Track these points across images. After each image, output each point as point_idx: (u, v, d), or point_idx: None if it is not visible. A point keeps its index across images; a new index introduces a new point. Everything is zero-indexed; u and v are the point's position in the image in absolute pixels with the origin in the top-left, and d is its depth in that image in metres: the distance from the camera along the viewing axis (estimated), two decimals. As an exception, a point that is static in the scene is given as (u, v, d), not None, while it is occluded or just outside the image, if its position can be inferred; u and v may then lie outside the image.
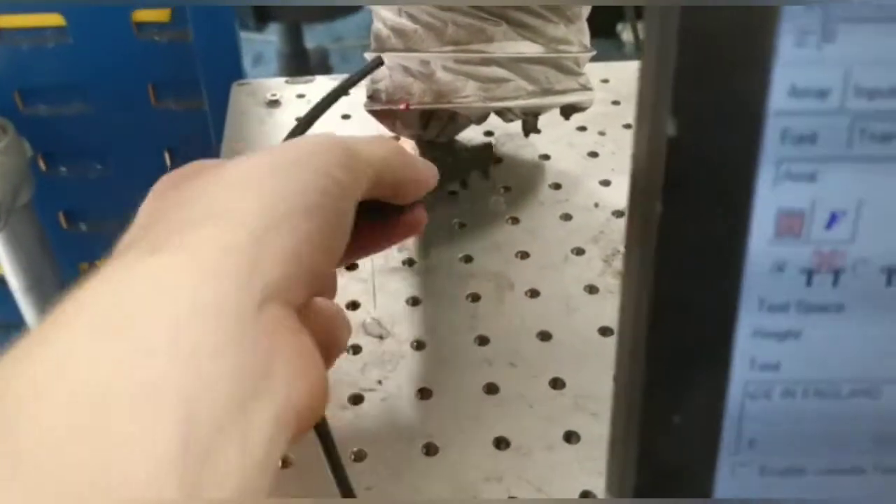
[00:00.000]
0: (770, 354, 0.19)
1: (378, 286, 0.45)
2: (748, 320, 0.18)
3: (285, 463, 0.36)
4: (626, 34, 1.65)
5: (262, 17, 1.64)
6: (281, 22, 1.71)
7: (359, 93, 0.60)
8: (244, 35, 1.24)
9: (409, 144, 0.35)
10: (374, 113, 0.48)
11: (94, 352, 0.19)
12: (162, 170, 0.92)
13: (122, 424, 0.18)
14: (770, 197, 0.17)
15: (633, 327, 0.18)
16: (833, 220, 0.17)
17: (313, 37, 1.83)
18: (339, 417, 0.38)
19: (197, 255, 0.21)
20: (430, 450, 0.36)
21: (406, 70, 0.45)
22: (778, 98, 0.16)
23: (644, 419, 0.19)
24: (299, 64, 1.75)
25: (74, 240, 0.88)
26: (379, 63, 0.44)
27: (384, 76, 0.46)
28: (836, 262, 0.18)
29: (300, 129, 0.40)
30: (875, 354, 0.18)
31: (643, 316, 0.18)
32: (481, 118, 0.47)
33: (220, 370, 0.19)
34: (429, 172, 0.33)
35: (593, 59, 0.48)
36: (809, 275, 0.18)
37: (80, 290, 0.21)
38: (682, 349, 0.18)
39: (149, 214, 0.26)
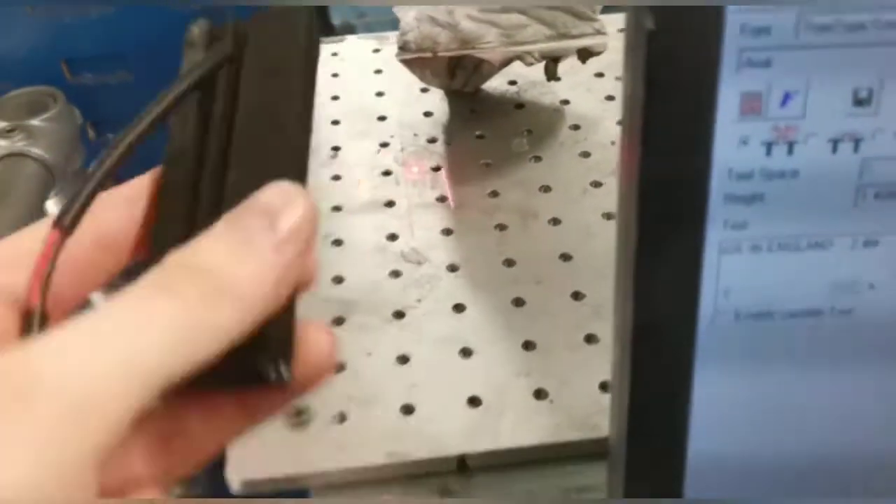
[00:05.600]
0: (739, 215, 0.23)
1: (414, 220, 0.49)
2: (720, 187, 0.22)
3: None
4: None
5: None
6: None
7: (390, 48, 0.64)
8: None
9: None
10: (406, 62, 0.52)
11: None
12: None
13: None
14: (734, 81, 0.21)
15: (627, 197, 0.23)
16: (786, 98, 0.21)
17: (338, 13, 1.87)
18: (384, 330, 0.42)
19: None
20: (466, 353, 0.41)
21: (433, 20, 0.50)
22: (735, -2, 0.20)
23: (638, 273, 0.23)
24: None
25: (124, 205, 0.93)
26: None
27: (413, 27, 0.50)
28: (790, 135, 0.22)
29: None
30: (826, 210, 0.23)
31: (634, 187, 0.22)
32: (504, 63, 0.51)
33: None
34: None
35: (611, 11, 0.52)
36: (769, 146, 0.22)
37: None
38: (667, 213, 0.22)
39: None
